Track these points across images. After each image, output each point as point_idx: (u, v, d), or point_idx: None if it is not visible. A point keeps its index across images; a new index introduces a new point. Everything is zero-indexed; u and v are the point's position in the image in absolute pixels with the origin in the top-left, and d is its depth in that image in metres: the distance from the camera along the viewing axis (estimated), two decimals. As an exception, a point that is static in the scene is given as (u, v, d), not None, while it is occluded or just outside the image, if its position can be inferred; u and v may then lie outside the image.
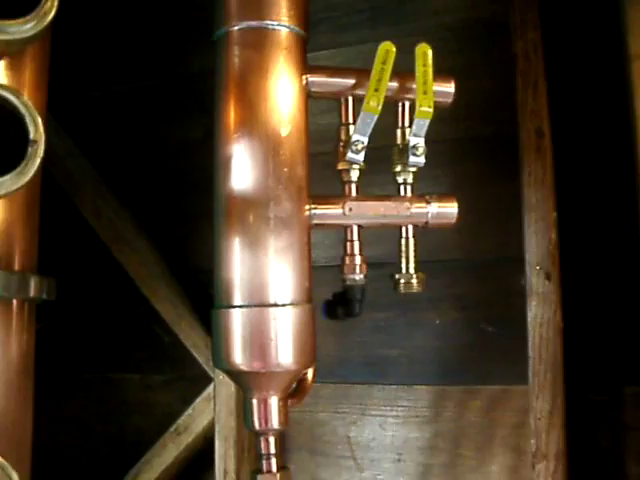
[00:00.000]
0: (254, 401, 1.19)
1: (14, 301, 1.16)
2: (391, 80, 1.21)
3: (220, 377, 1.91)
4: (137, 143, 2.28)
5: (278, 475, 1.20)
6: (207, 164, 2.00)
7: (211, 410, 1.95)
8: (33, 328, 1.21)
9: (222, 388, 1.92)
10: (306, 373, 1.29)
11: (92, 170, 2.14)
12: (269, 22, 1.21)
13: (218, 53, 1.25)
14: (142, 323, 2.19)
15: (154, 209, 2.21)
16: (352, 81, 1.28)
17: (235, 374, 1.19)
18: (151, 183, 2.24)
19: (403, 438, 1.95)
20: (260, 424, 1.19)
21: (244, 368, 1.15)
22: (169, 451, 2.01)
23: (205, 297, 2.06)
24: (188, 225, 2.17)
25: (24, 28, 1.04)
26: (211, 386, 1.95)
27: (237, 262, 1.17)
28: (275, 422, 1.19)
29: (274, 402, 1.19)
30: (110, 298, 2.23)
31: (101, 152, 2.24)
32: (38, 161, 0.98)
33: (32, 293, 1.16)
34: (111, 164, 2.23)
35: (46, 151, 1.00)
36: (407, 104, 1.30)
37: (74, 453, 2.29)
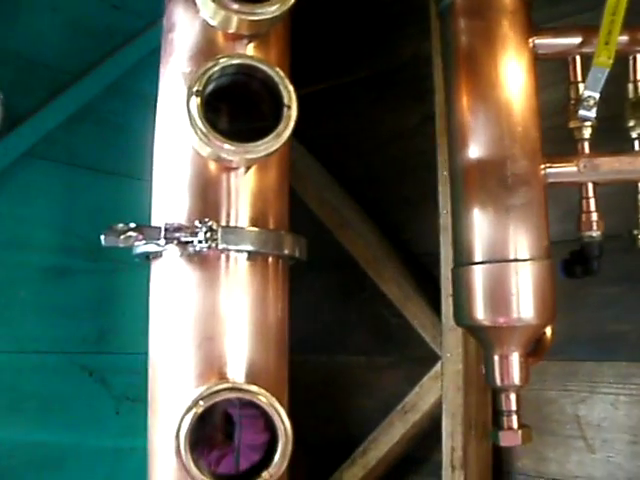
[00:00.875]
0: (495, 357, 1.22)
1: (270, 258, 1.25)
2: (621, 34, 1.21)
3: (447, 355, 1.95)
4: (354, 133, 2.38)
5: (519, 432, 1.22)
6: (424, 149, 2.09)
7: (438, 388, 1.99)
8: (287, 285, 1.31)
9: (449, 366, 1.95)
10: (545, 331, 1.30)
11: (316, 162, 2.27)
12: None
13: (445, 23, 1.30)
14: (368, 305, 2.27)
15: (374, 195, 2.30)
16: (579, 39, 1.28)
17: (477, 330, 1.23)
18: (370, 170, 2.33)
19: (638, 418, 1.89)
20: (501, 380, 1.22)
21: (486, 323, 1.19)
22: (396, 429, 2.07)
23: (428, 279, 2.11)
24: (407, 209, 2.24)
25: (270, 10, 1.14)
26: (438, 364, 1.99)
27: (477, 221, 1.21)
28: (516, 378, 1.22)
29: (515, 358, 1.22)
30: (336, 282, 2.33)
31: (322, 144, 2.36)
32: (292, 124, 1.07)
33: (286, 250, 1.25)
34: (331, 154, 2.35)
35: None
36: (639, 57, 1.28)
37: (302, 433, 2.42)
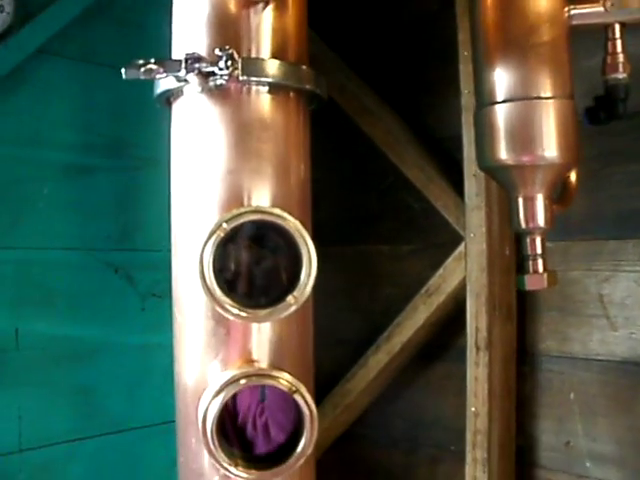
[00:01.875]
0: (520, 199, 1.23)
1: (291, 93, 1.25)
2: None
3: (471, 235, 1.97)
4: (374, 20, 2.36)
5: (545, 275, 1.23)
6: (445, 33, 2.06)
7: (462, 269, 2.01)
8: (308, 127, 1.30)
9: (473, 246, 1.97)
10: (569, 176, 1.30)
11: (334, 50, 2.25)
12: None
13: None
14: (391, 193, 2.28)
15: (395, 81, 2.28)
16: None
17: (501, 171, 1.23)
18: (392, 57, 2.31)
19: (661, 294, 1.90)
20: (526, 222, 1.23)
21: (510, 162, 1.19)
22: (420, 313, 2.09)
23: (450, 162, 2.11)
24: (430, 95, 2.22)
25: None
26: (462, 245, 2.00)
27: (499, 61, 1.21)
28: (541, 220, 1.23)
29: (540, 199, 1.22)
30: (358, 170, 2.34)
31: (339, 31, 2.34)
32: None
33: (307, 85, 1.25)
34: (351, 42, 2.33)
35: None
36: None
37: (327, 323, 2.46)
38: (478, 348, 1.95)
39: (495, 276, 1.95)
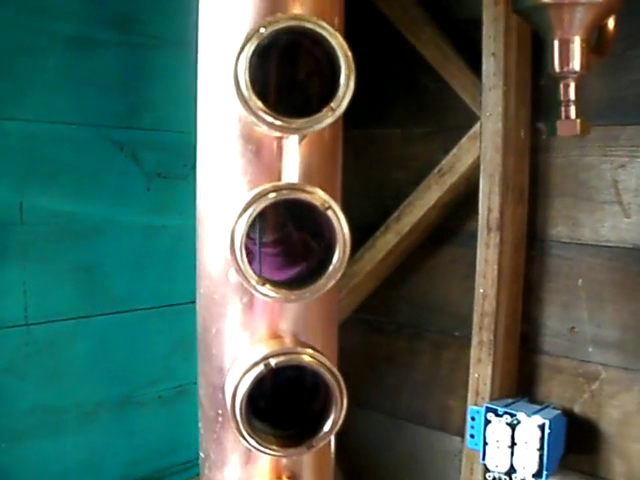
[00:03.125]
0: (556, 42, 1.19)
1: None
2: None
3: (487, 114, 1.94)
4: None
5: (577, 121, 1.20)
6: None
7: (476, 149, 1.99)
8: None
9: (488, 125, 1.94)
10: (607, 23, 1.26)
11: None
12: None
13: None
14: (406, 74, 2.24)
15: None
16: None
17: (538, 10, 1.19)
18: None
19: (678, 179, 1.89)
20: (561, 66, 1.19)
21: (548, 0, 1.15)
22: (432, 192, 2.08)
23: (468, 42, 2.06)
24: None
25: None
26: (477, 125, 1.98)
27: None
28: (577, 64, 1.19)
29: (577, 42, 1.18)
30: (372, 51, 2.28)
31: None
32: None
33: None
34: None
35: None
36: None
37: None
38: (489, 229, 1.94)
39: (509, 157, 1.93)
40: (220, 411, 1.11)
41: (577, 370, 2.02)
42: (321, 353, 1.05)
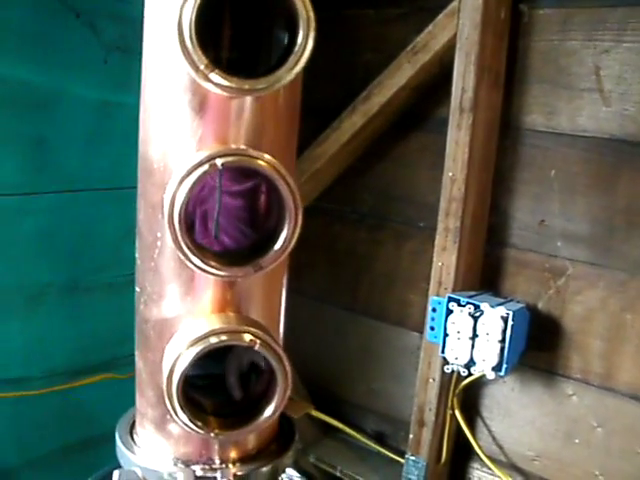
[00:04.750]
0: None
1: None
2: None
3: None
4: None
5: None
6: None
7: (453, 26, 1.89)
8: None
9: (468, 1, 1.81)
10: None
11: None
12: None
13: None
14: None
15: None
16: None
17: None
18: None
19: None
20: None
21: None
22: (403, 71, 1.98)
23: None
24: None
25: None
26: (456, 0, 1.84)
27: None
28: None
29: None
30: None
31: None
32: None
33: None
34: None
35: None
36: None
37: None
38: (462, 110, 1.84)
39: (488, 36, 1.84)
40: (159, 234, 1.02)
41: (544, 265, 1.96)
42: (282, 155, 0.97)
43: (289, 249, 1.02)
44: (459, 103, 1.86)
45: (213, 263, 0.97)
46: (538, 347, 1.96)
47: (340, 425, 2.35)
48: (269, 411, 1.08)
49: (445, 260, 1.93)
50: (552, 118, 1.92)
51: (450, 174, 1.88)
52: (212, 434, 1.04)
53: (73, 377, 2.31)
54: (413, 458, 2.08)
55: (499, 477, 2.05)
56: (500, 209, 2.00)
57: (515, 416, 2.07)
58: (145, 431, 1.20)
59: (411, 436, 2.08)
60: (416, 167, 2.14)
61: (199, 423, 1.03)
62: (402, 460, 2.16)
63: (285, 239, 1.02)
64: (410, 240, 2.19)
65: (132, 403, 2.50)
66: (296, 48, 0.94)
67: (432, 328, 1.95)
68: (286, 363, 1.03)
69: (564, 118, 1.90)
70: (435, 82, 2.02)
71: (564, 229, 1.92)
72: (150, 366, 1.13)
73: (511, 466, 2.08)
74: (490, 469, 2.06)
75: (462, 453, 2.17)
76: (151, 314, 1.10)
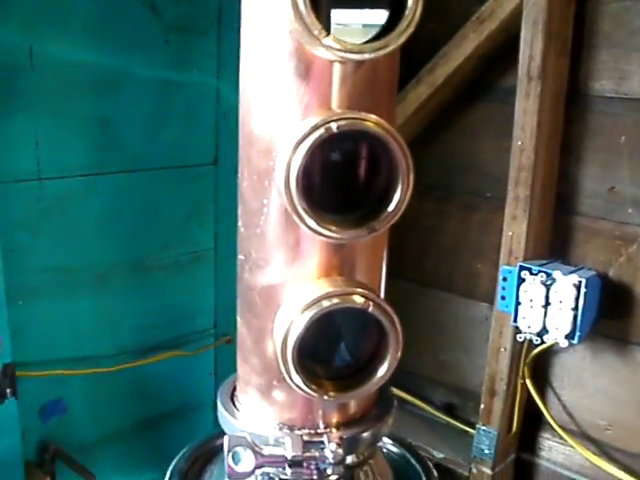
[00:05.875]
0: None
1: None
2: None
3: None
4: None
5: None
6: None
7: (520, -5, 1.85)
8: None
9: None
10: None
11: None
12: None
13: None
14: None
15: None
16: None
17: None
18: None
19: None
20: None
21: None
22: (469, 41, 1.97)
23: None
24: None
25: None
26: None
27: None
28: None
29: None
30: None
31: None
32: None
33: None
34: None
35: None
36: None
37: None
38: (530, 78, 1.83)
39: (555, 2, 1.80)
40: (265, 200, 1.04)
41: (614, 232, 1.94)
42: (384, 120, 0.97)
43: (402, 210, 1.03)
44: (527, 71, 1.85)
45: (331, 226, 0.98)
46: (610, 315, 1.95)
47: (409, 397, 2.36)
48: (382, 371, 1.09)
49: (515, 229, 1.93)
50: (622, 83, 1.89)
51: (519, 143, 1.88)
52: (326, 397, 1.06)
53: (142, 355, 2.35)
54: (484, 428, 2.09)
55: (571, 446, 2.05)
56: (569, 177, 1.99)
57: (587, 385, 2.06)
58: (248, 397, 1.22)
59: (482, 406, 2.09)
60: (481, 137, 2.13)
61: (314, 387, 1.05)
62: (471, 431, 2.18)
63: (398, 201, 1.02)
64: (477, 211, 2.19)
65: (198, 380, 2.56)
66: (407, 12, 0.94)
67: (503, 297, 1.95)
68: (397, 323, 1.04)
69: (636, 82, 1.87)
70: (501, 51, 2.00)
71: (635, 196, 1.90)
72: (255, 333, 1.15)
73: (583, 435, 2.08)
74: (562, 438, 2.06)
75: (532, 423, 2.17)
76: (257, 281, 1.12)
